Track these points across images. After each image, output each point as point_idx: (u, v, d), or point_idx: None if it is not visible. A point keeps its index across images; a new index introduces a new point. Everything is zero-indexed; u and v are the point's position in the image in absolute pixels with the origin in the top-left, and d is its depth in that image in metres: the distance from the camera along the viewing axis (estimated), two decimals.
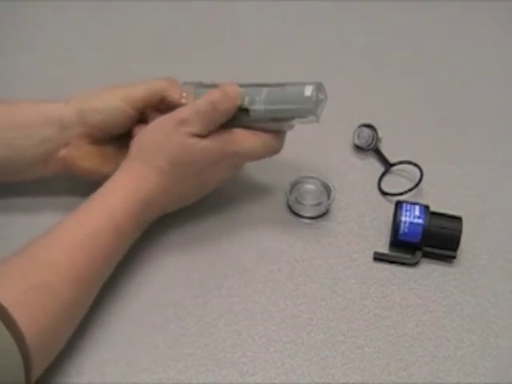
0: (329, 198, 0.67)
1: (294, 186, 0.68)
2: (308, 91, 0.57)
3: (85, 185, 0.63)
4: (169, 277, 0.61)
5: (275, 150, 0.61)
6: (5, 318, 0.46)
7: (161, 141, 0.59)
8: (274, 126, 0.60)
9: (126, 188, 0.58)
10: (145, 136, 0.61)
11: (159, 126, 0.60)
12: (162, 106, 0.64)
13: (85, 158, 0.64)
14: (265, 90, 0.60)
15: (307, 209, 0.66)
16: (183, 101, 0.62)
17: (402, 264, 0.63)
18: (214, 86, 0.62)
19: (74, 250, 0.54)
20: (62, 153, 0.63)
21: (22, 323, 0.46)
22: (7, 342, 0.45)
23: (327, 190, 0.67)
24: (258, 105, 0.59)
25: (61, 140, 0.63)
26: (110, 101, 0.63)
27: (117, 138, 0.65)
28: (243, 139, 0.60)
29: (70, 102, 0.63)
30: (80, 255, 0.53)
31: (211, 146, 0.59)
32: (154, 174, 0.59)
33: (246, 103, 0.59)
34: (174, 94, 0.62)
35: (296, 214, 0.67)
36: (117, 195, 0.58)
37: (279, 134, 0.61)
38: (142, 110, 0.63)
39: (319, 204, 0.67)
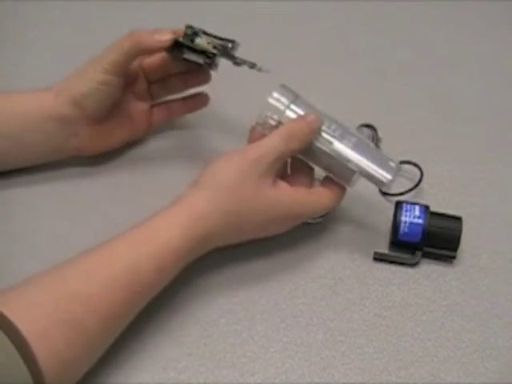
0: None
1: None
2: (393, 164, 0.60)
3: None
4: None
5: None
6: (26, 353, 0.44)
7: (233, 181, 0.56)
8: (341, 172, 0.60)
9: (184, 226, 0.54)
10: (217, 170, 0.57)
11: (234, 162, 0.57)
12: (144, 56, 0.66)
13: (95, 142, 0.67)
14: (354, 136, 0.60)
15: None
16: (159, 41, 0.61)
17: (402, 264, 0.63)
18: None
19: (112, 284, 0.50)
20: (73, 143, 0.66)
21: (43, 356, 0.45)
22: (25, 379, 0.44)
23: None
24: (346, 144, 0.59)
25: (67, 133, 0.65)
26: (94, 79, 0.62)
27: (115, 108, 0.66)
28: (318, 198, 0.60)
29: (60, 93, 0.63)
30: (117, 291, 0.51)
31: (282, 199, 0.58)
32: (219, 216, 0.55)
33: (334, 133, 0.60)
34: (147, 43, 0.62)
35: None
36: (170, 232, 0.54)
37: (344, 189, 0.61)
38: (126, 73, 0.64)
39: None
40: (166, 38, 0.62)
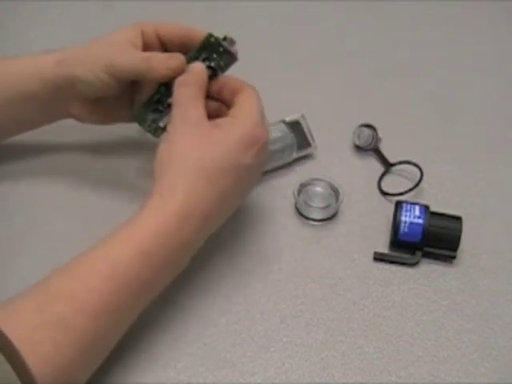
0: (337, 200, 0.66)
1: (303, 188, 0.68)
2: None
3: None
4: None
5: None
6: (17, 363, 0.43)
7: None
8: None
9: (159, 207, 0.52)
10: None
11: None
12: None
13: (88, 114, 0.64)
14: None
15: (316, 211, 0.66)
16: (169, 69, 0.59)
17: (402, 264, 0.63)
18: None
19: (92, 277, 0.48)
20: (67, 111, 0.64)
21: (33, 363, 0.43)
22: None
23: (335, 192, 0.67)
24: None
25: (62, 100, 0.63)
26: (92, 71, 0.59)
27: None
28: (244, 101, 0.57)
29: (61, 64, 0.61)
30: (97, 283, 0.48)
31: (227, 126, 0.55)
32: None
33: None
34: (158, 73, 0.59)
35: (304, 216, 0.66)
36: (146, 216, 0.52)
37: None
38: (127, 82, 0.61)
39: (328, 206, 0.66)
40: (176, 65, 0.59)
